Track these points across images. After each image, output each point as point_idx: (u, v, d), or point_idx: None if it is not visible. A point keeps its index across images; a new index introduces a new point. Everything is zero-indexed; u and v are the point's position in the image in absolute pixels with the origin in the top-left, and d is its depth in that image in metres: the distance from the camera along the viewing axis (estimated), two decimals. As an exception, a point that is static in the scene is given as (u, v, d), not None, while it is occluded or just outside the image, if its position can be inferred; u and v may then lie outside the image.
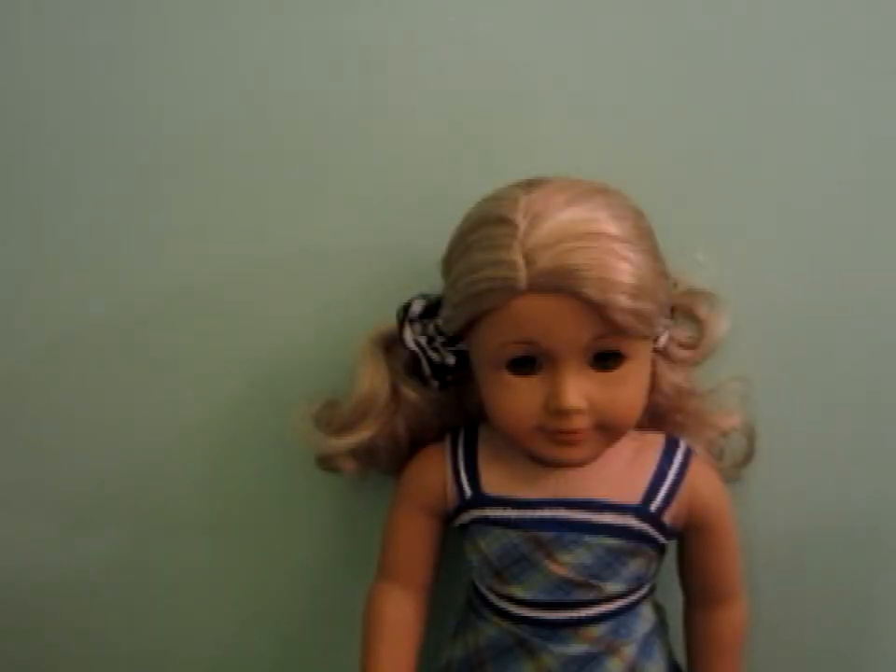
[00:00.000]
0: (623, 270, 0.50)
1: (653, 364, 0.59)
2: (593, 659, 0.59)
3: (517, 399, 0.54)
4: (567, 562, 0.58)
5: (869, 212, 0.64)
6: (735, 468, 0.66)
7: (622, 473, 0.59)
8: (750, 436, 0.65)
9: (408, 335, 0.60)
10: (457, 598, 0.66)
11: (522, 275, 0.50)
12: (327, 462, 0.64)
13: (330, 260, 0.65)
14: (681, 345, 0.63)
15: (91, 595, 0.74)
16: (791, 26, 0.61)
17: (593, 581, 0.58)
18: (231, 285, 0.66)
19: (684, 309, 0.63)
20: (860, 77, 0.62)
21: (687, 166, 0.63)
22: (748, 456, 0.66)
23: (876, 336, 0.66)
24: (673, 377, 0.62)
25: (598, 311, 0.50)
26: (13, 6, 0.62)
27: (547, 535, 0.58)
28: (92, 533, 0.72)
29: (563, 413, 0.53)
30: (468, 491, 0.60)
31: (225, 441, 0.70)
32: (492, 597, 0.61)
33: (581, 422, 0.53)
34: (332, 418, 0.63)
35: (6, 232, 0.67)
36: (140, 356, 0.68)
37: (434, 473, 0.61)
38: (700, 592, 0.63)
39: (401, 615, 0.62)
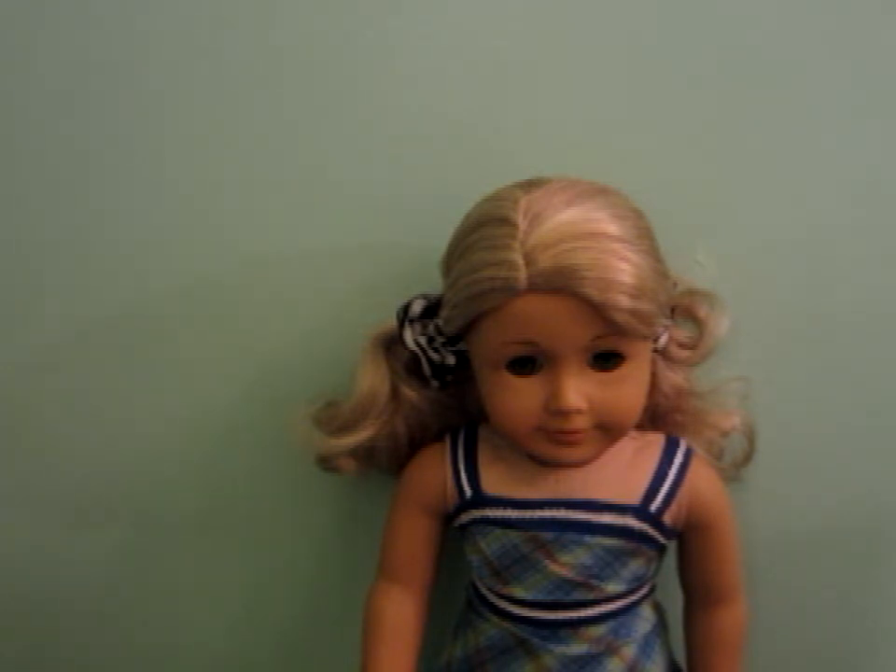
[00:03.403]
0: (623, 270, 0.50)
1: (653, 364, 0.59)
2: (593, 659, 0.59)
3: (517, 399, 0.54)
4: (567, 562, 0.57)
5: (868, 212, 0.63)
6: (734, 467, 0.66)
7: (622, 473, 0.58)
8: (750, 436, 0.65)
9: (408, 335, 0.60)
10: (457, 598, 0.66)
11: (522, 275, 0.50)
12: (327, 462, 0.64)
13: (330, 260, 0.65)
14: (681, 345, 0.63)
15: (90, 596, 0.74)
16: (792, 26, 0.61)
17: (593, 582, 0.58)
18: (229, 285, 0.66)
19: (684, 309, 0.63)
20: (861, 77, 0.62)
21: (687, 166, 0.63)
22: (747, 456, 0.66)
23: (876, 336, 0.65)
24: (673, 377, 0.62)
25: (598, 311, 0.50)
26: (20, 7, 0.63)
27: (547, 535, 0.57)
28: (92, 533, 0.72)
29: (563, 413, 0.53)
30: (467, 491, 0.60)
31: (225, 440, 0.70)
32: (492, 597, 0.61)
33: (581, 422, 0.53)
34: (332, 418, 0.63)
35: (6, 233, 0.67)
36: (139, 355, 0.68)
37: (434, 473, 0.61)
38: (700, 591, 0.63)
39: (401, 614, 0.62)
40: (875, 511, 0.69)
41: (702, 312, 0.63)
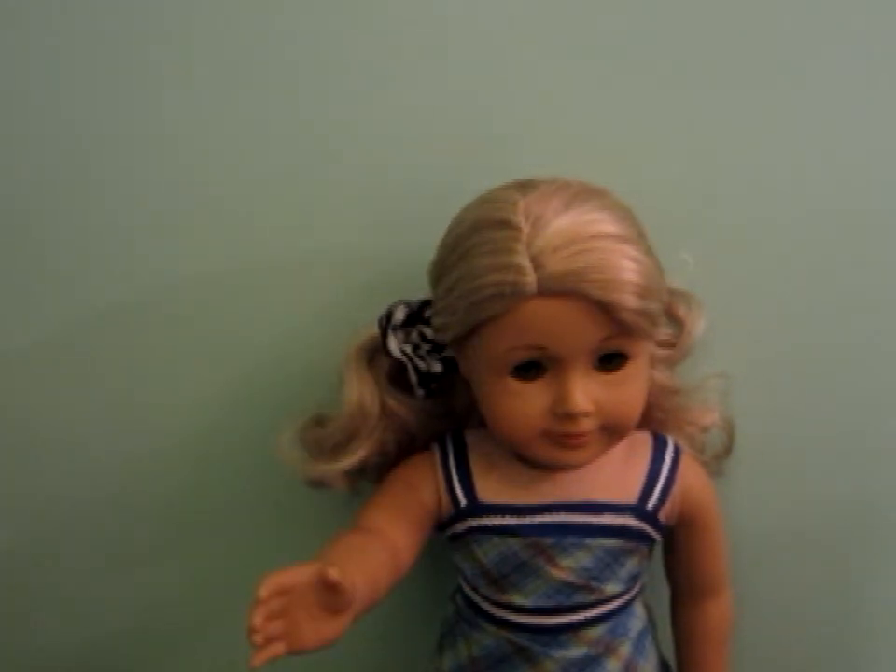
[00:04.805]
0: (630, 269, 0.50)
1: (641, 364, 0.59)
2: (592, 661, 0.59)
3: (523, 405, 0.53)
4: (568, 565, 0.57)
5: (848, 212, 0.65)
6: (716, 460, 0.67)
7: (616, 473, 0.59)
8: (729, 431, 0.66)
9: (393, 344, 0.58)
10: (440, 611, 0.65)
11: (531, 279, 0.49)
12: (318, 485, 0.62)
13: (326, 263, 0.65)
14: (661, 344, 0.63)
15: (91, 601, 0.73)
16: (785, 29, 0.62)
17: (593, 584, 0.58)
18: (219, 289, 0.65)
19: (664, 308, 0.64)
20: (851, 81, 0.63)
21: (664, 168, 0.64)
22: (727, 450, 0.67)
23: (858, 334, 0.67)
24: (657, 376, 0.62)
25: (607, 312, 0.50)
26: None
27: (547, 539, 0.57)
28: (86, 538, 0.71)
29: (571, 416, 0.52)
30: (462, 500, 0.58)
31: (220, 443, 0.68)
32: (487, 606, 0.60)
33: (588, 425, 0.53)
34: (322, 439, 0.60)
35: (6, 232, 0.65)
36: (137, 356, 0.67)
37: (427, 487, 0.59)
38: (689, 585, 0.64)
39: (364, 540, 0.55)
40: (857, 505, 0.70)
41: (681, 311, 0.64)
